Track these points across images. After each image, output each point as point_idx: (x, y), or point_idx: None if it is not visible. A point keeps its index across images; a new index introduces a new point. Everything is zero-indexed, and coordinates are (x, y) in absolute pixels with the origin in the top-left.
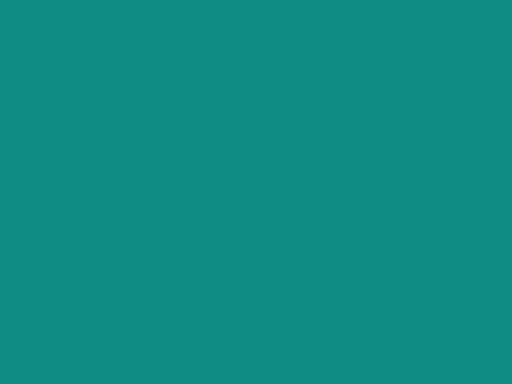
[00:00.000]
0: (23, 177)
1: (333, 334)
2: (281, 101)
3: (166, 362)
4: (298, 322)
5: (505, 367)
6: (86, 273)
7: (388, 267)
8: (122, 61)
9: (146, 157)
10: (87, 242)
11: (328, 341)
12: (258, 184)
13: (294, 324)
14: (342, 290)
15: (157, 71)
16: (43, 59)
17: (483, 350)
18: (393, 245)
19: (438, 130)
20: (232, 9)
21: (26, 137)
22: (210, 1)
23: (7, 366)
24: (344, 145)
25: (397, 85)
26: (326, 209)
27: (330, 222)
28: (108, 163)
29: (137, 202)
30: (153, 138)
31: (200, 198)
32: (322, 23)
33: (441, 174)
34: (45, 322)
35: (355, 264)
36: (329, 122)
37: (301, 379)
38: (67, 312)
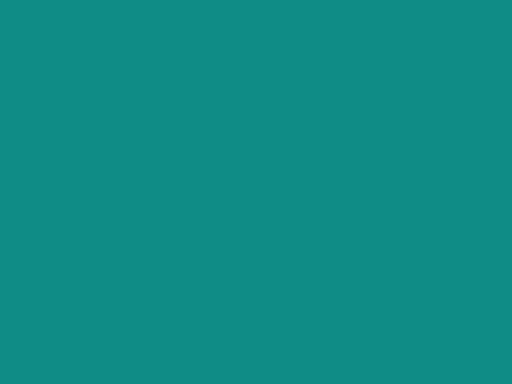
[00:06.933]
0: (23, 177)
1: (333, 334)
2: (281, 101)
3: (166, 362)
4: (298, 322)
5: (505, 367)
6: (85, 273)
7: (388, 267)
8: (121, 61)
9: (146, 157)
10: (87, 242)
11: (328, 341)
12: (258, 184)
13: (294, 324)
14: (342, 289)
15: (157, 71)
16: (43, 59)
17: (483, 350)
18: (393, 245)
19: (438, 130)
20: (232, 9)
21: (26, 137)
22: (211, 1)
23: (7, 366)
24: (344, 145)
25: (397, 85)
26: (326, 209)
27: (330, 222)
28: (108, 163)
29: (137, 202)
30: (153, 139)
31: (200, 198)
32: (322, 23)
33: (441, 174)
34: (45, 321)
35: (355, 264)
36: (328, 123)
37: (301, 379)
38: (67, 312)
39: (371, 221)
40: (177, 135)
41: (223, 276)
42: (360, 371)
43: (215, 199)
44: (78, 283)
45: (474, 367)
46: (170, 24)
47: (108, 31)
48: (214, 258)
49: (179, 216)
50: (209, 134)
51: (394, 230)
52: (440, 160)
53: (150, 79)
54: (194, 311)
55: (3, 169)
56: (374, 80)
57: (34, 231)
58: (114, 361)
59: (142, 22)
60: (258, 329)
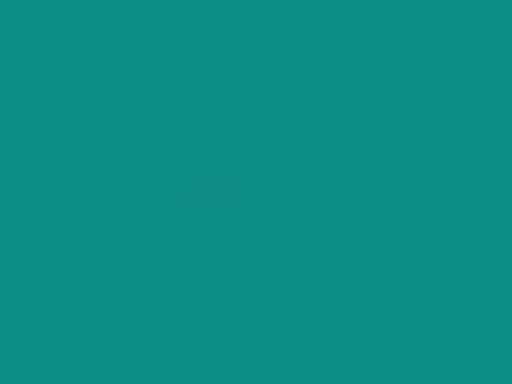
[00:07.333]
0: (23, 177)
1: (333, 334)
2: (281, 101)
3: (166, 362)
4: (297, 322)
5: (505, 367)
6: (86, 273)
7: (388, 267)
8: (122, 61)
9: (146, 157)
10: (87, 242)
11: (328, 341)
12: (258, 184)
13: (294, 324)
14: (342, 289)
15: (157, 71)
16: (43, 59)
17: (483, 350)
18: (393, 245)
19: (438, 130)
20: (232, 9)
21: (26, 137)
22: (211, 1)
23: (7, 366)
24: (344, 145)
25: (397, 85)
26: (326, 209)
27: (329, 222)
28: (108, 163)
29: (137, 202)
30: (153, 138)
31: (200, 197)
32: (322, 23)
33: (441, 174)
34: (45, 322)
35: (355, 264)
36: (329, 122)
37: (301, 379)
38: (67, 312)
39: (371, 221)
40: (177, 135)
41: (223, 276)
42: (360, 371)
43: (215, 200)
44: (78, 283)
45: (474, 367)
46: (170, 24)
47: (108, 31)
48: (213, 258)
49: (179, 216)
50: (209, 134)
51: (394, 230)
52: (440, 160)
53: (150, 79)
54: (193, 311)
55: (3, 169)
56: (374, 80)
57: (33, 230)
58: (114, 361)
59: (142, 22)
60: (258, 329)
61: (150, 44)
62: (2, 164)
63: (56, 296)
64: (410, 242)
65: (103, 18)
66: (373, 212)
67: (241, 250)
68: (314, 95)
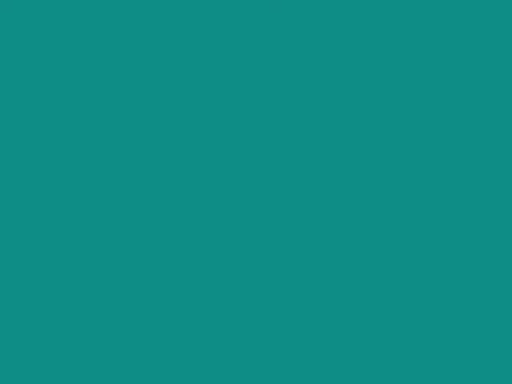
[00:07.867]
0: (23, 177)
1: (333, 334)
2: (281, 101)
3: (166, 362)
4: (298, 322)
5: (505, 367)
6: (86, 273)
7: (388, 267)
8: (122, 61)
9: (146, 157)
10: (87, 242)
11: (328, 341)
12: (258, 184)
13: (294, 324)
14: (342, 289)
15: (157, 71)
16: (43, 59)
17: (483, 350)
18: (393, 245)
19: (438, 130)
20: (232, 9)
21: (26, 137)
22: (211, 1)
23: (7, 366)
24: (344, 145)
25: (397, 85)
26: (326, 209)
27: (329, 222)
28: (108, 163)
29: (137, 202)
30: (153, 138)
31: (200, 197)
32: (321, 23)
33: (441, 174)
34: (45, 322)
35: (355, 264)
36: (329, 122)
37: (301, 379)
38: (67, 312)
39: (371, 221)
40: (176, 135)
41: (223, 276)
42: (360, 371)
43: (215, 200)
44: (77, 283)
45: (474, 367)
46: (170, 24)
47: (107, 30)
48: (213, 258)
49: (179, 215)
50: (209, 135)
51: (394, 231)
52: (440, 160)
53: (150, 79)
54: (193, 311)
55: (3, 169)
56: (374, 80)
57: (32, 229)
58: (114, 361)
59: (142, 22)
60: (258, 330)
61: (149, 43)
62: (2, 164)
63: (56, 295)
64: (410, 242)
65: (103, 18)
66: (373, 212)
67: (241, 250)
68: (314, 95)
